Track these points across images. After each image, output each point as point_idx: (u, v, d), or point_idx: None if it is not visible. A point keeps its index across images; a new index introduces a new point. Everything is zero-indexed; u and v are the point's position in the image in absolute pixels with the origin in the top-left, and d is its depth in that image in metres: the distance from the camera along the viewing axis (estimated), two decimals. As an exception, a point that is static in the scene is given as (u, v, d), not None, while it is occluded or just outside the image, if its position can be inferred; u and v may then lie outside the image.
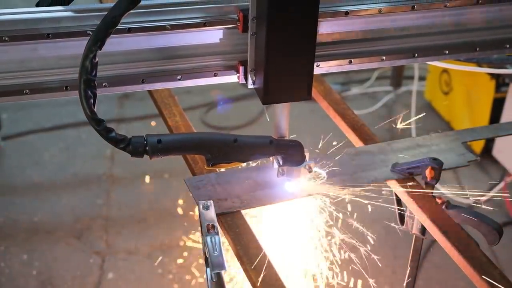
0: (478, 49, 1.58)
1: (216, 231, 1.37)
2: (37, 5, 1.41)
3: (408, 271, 1.82)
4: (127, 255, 3.34)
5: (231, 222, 1.46)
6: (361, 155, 1.67)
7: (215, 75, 1.44)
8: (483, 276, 1.37)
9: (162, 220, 3.55)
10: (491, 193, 3.62)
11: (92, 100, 1.24)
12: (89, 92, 1.24)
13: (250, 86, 1.42)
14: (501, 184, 3.63)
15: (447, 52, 1.56)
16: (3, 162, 4.02)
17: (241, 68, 1.43)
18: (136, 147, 1.32)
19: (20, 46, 1.29)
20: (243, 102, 4.53)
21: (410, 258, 1.79)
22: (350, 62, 1.50)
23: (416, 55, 1.54)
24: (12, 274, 3.21)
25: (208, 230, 1.37)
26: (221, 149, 1.39)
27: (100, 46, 1.22)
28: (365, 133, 1.79)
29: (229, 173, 1.58)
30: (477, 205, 1.65)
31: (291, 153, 1.47)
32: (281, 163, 1.49)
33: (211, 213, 1.42)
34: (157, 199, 3.70)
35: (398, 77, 4.62)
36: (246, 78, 1.43)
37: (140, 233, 3.48)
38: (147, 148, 1.32)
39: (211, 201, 1.45)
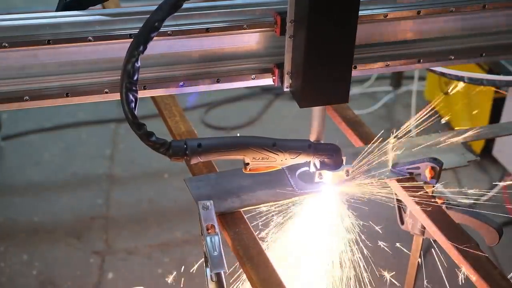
0: (484, 54, 1.56)
1: (216, 231, 1.37)
2: (61, 7, 1.39)
3: (408, 271, 1.82)
4: (127, 255, 3.34)
5: (231, 222, 1.47)
6: (361, 155, 1.67)
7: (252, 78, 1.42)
8: (483, 276, 1.37)
9: (162, 220, 3.56)
10: (491, 193, 3.63)
11: (133, 104, 1.24)
12: (131, 96, 1.23)
13: (286, 89, 1.40)
14: (501, 184, 3.63)
15: (452, 57, 1.54)
16: (3, 162, 4.02)
17: (277, 71, 1.40)
18: (176, 151, 1.31)
19: (19, 52, 1.27)
20: (243, 102, 4.53)
21: (410, 258, 1.79)
22: (355, 67, 1.47)
23: (421, 60, 1.52)
24: (12, 274, 3.21)
25: (207, 230, 1.37)
26: (260, 153, 1.39)
27: (143, 50, 1.21)
28: (365, 133, 1.79)
29: (229, 173, 1.58)
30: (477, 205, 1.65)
31: (329, 157, 1.45)
32: (318, 167, 1.48)
33: (211, 213, 1.42)
34: (157, 199, 3.70)
35: (398, 77, 4.62)
36: (282, 81, 1.40)
37: (140, 233, 3.48)
38: (187, 152, 1.32)
39: (211, 201, 1.45)
